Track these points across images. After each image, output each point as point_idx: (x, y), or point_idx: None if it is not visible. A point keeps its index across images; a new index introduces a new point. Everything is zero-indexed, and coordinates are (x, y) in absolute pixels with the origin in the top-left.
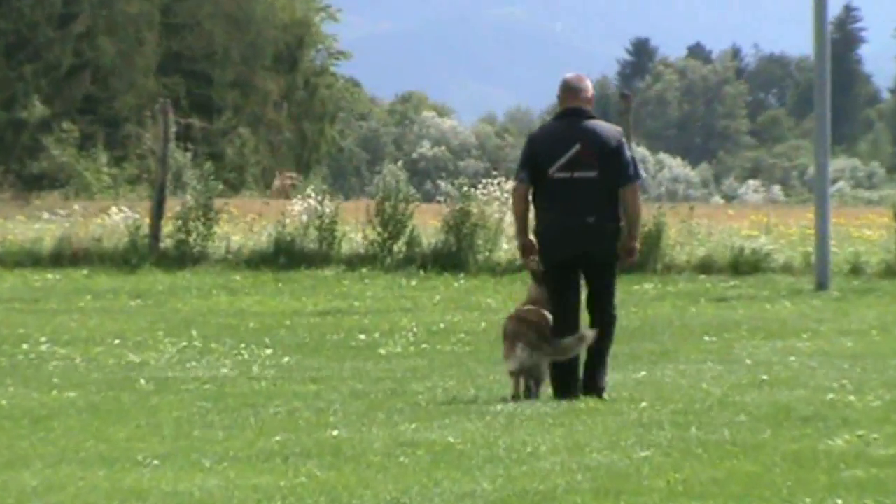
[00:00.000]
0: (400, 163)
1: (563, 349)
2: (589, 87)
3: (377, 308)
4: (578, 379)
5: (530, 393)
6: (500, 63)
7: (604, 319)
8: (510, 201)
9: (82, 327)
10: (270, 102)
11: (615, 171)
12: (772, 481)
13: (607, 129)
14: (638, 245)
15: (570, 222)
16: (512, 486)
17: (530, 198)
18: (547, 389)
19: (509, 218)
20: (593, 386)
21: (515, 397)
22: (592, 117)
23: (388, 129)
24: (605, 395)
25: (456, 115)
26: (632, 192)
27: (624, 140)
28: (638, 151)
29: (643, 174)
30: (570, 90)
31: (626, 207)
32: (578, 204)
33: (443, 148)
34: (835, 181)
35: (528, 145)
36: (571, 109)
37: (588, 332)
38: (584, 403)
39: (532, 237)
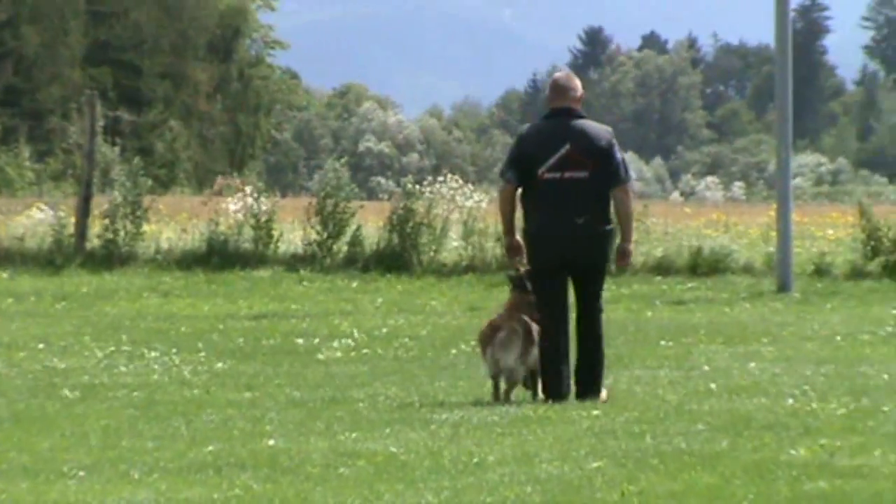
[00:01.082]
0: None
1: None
2: (578, 87)
3: (316, 311)
4: (568, 378)
5: (508, 396)
6: (446, 53)
7: (591, 336)
8: (498, 202)
9: (4, 332)
10: (203, 94)
11: (606, 171)
12: (731, 493)
13: (597, 128)
14: (633, 247)
15: (560, 223)
16: (458, 498)
17: (517, 199)
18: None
19: (455, 216)
20: (586, 395)
21: (496, 398)
22: (582, 117)
23: (328, 122)
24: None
25: (400, 108)
26: (623, 192)
27: (614, 140)
28: None
29: (633, 175)
30: (558, 89)
31: (618, 208)
32: (569, 205)
33: (388, 143)
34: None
35: (516, 145)
36: (561, 109)
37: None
38: (534, 412)
39: (519, 238)
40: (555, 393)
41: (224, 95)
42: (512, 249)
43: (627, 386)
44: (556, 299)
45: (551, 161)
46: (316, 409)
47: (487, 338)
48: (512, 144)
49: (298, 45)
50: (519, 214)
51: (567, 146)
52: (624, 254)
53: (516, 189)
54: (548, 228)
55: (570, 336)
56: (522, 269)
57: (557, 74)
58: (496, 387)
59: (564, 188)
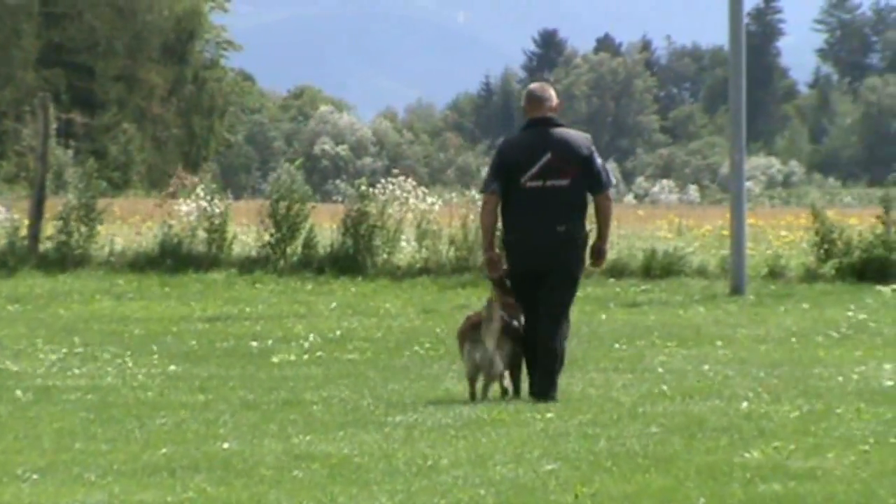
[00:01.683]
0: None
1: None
2: (553, 97)
3: (270, 314)
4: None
5: (486, 392)
6: (401, 55)
7: (551, 348)
8: (480, 213)
9: None
10: (157, 96)
11: (587, 178)
12: (685, 495)
13: (577, 137)
14: (608, 248)
15: (542, 231)
16: (411, 501)
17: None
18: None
19: (409, 218)
20: (541, 399)
21: (472, 397)
22: (560, 125)
23: (282, 124)
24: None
25: (354, 110)
26: (604, 198)
27: (594, 147)
28: None
29: (613, 180)
30: (534, 100)
31: (599, 213)
32: (550, 212)
33: (344, 146)
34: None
35: (497, 156)
36: (539, 119)
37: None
38: (488, 414)
39: (498, 252)
40: (532, 390)
41: (178, 98)
42: (491, 263)
43: (581, 388)
44: (531, 305)
45: (533, 170)
46: (270, 412)
47: (465, 334)
48: (493, 156)
49: (252, 47)
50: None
51: (548, 155)
52: (599, 253)
53: (499, 201)
54: (530, 237)
55: None
56: (502, 273)
57: (532, 86)
58: (472, 386)
59: (546, 196)
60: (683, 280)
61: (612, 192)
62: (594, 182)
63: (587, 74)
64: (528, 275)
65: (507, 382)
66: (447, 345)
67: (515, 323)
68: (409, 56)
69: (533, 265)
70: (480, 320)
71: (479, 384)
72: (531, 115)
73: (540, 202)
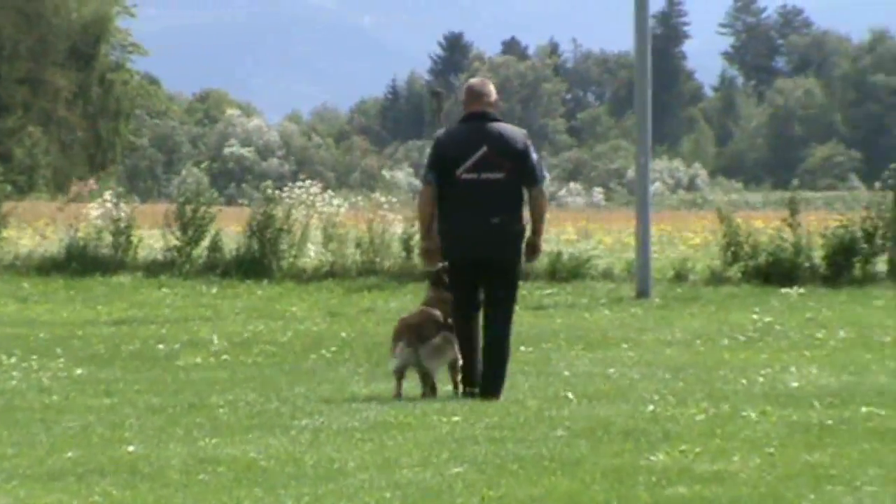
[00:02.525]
0: (205, 164)
1: (434, 349)
2: (492, 92)
3: (176, 317)
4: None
5: (426, 391)
6: (306, 59)
7: (498, 335)
8: (417, 203)
9: None
10: (62, 100)
11: (522, 172)
12: (591, 499)
13: (513, 131)
14: (542, 242)
15: (476, 223)
16: None
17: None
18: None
19: (316, 222)
20: (487, 395)
21: (397, 397)
22: (497, 120)
23: (189, 127)
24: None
25: (262, 114)
26: (538, 192)
27: (529, 142)
28: None
29: (547, 175)
30: (473, 95)
31: (533, 207)
32: (485, 205)
33: (250, 149)
34: (655, 183)
35: (434, 148)
36: (476, 113)
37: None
38: (395, 417)
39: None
40: (469, 383)
41: (84, 101)
42: (429, 252)
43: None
44: (469, 297)
45: (469, 163)
46: (176, 415)
47: (399, 332)
48: (431, 148)
49: (158, 50)
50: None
51: (484, 148)
52: (534, 248)
53: (436, 191)
54: (464, 228)
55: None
56: (440, 266)
57: (472, 80)
58: (399, 383)
59: (481, 189)
60: (589, 283)
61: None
62: (528, 176)
63: (492, 77)
64: (464, 265)
65: (458, 378)
66: (353, 348)
67: (451, 321)
68: (315, 59)
69: (468, 255)
70: (415, 321)
71: (414, 382)
72: (469, 109)
73: (475, 194)
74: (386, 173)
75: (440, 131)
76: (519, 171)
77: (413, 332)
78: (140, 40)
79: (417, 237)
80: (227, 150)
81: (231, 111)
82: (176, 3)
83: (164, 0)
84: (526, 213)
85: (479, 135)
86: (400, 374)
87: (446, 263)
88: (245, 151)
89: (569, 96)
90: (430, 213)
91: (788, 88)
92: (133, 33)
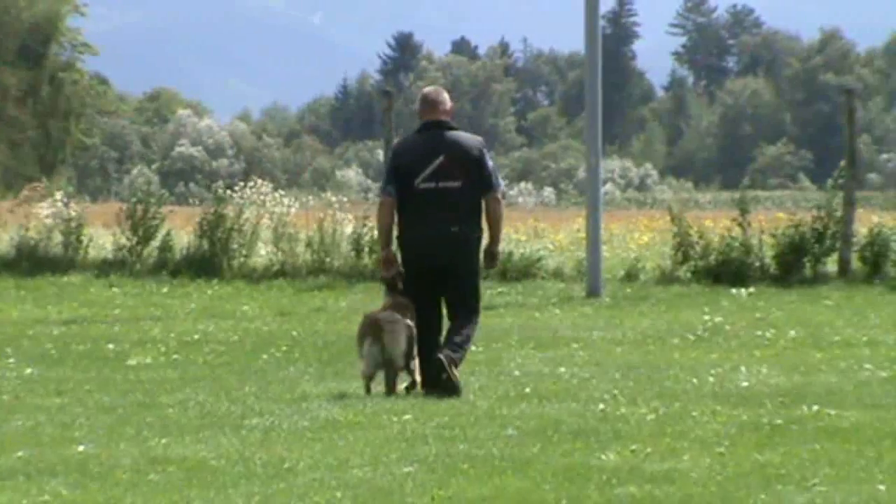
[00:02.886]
0: (156, 165)
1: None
2: (447, 100)
3: (126, 316)
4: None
5: (390, 389)
6: (256, 58)
7: (461, 340)
8: (377, 214)
9: None
10: (12, 99)
11: (478, 180)
12: (541, 498)
13: (469, 139)
14: (500, 250)
15: (435, 232)
16: (268, 503)
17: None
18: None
19: (266, 222)
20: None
21: (367, 392)
22: (453, 129)
23: (139, 127)
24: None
25: (213, 114)
26: (494, 199)
27: (485, 150)
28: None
29: (503, 182)
30: (428, 103)
31: (489, 214)
32: (443, 213)
33: (199, 148)
34: (606, 183)
35: (392, 159)
36: (432, 122)
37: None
38: (345, 417)
39: (394, 250)
40: (430, 382)
41: (34, 100)
42: (388, 261)
43: (437, 391)
44: (429, 303)
45: (426, 172)
46: (126, 415)
47: (365, 329)
48: (388, 158)
49: (108, 49)
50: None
51: (441, 157)
52: (492, 256)
53: (395, 202)
54: (423, 237)
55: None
56: (396, 272)
57: (427, 89)
58: (368, 382)
59: (439, 197)
60: (540, 283)
61: (503, 190)
62: (484, 183)
63: (443, 78)
64: (424, 273)
65: (417, 374)
66: (303, 347)
67: (409, 321)
68: (264, 59)
69: (428, 263)
70: (378, 318)
71: (377, 380)
72: (425, 118)
73: (434, 203)
74: (338, 173)
75: (396, 141)
76: (475, 179)
77: (377, 326)
78: (89, 39)
79: (368, 237)
80: (176, 150)
81: (182, 111)
82: (124, 3)
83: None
84: (484, 221)
85: (435, 144)
86: (369, 378)
87: (401, 269)
88: (195, 151)
89: (519, 96)
90: (389, 223)
91: (738, 88)
92: (83, 33)
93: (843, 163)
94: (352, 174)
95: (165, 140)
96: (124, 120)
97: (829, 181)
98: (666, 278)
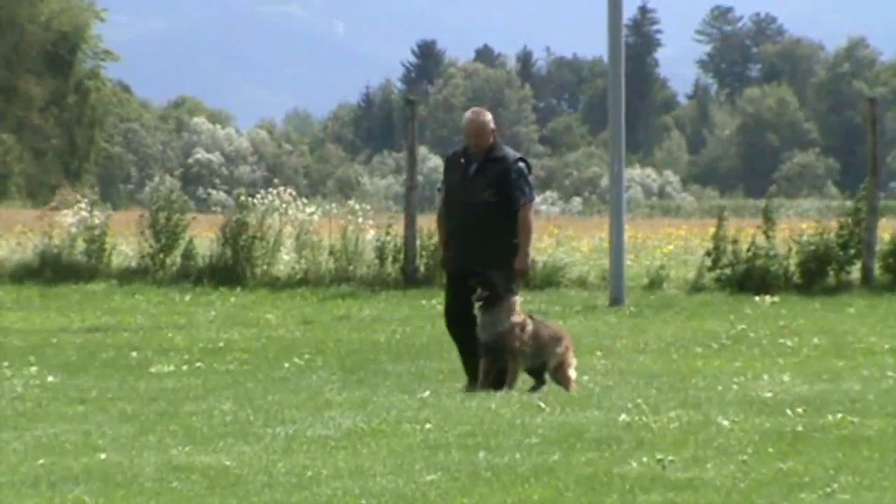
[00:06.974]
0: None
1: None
2: (489, 121)
3: (149, 324)
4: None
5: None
6: (279, 66)
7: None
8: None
9: None
10: (36, 108)
11: (512, 193)
12: None
13: (506, 155)
14: (529, 260)
15: (467, 243)
16: None
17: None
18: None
19: (289, 229)
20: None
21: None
22: (494, 147)
23: (161, 135)
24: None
25: (235, 120)
26: (525, 212)
27: (522, 164)
28: (432, 160)
29: (534, 196)
30: (472, 126)
31: (520, 226)
32: (475, 226)
33: (217, 154)
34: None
35: (444, 171)
36: (474, 141)
37: None
38: (368, 425)
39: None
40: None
41: (60, 109)
42: (445, 262)
43: (460, 399)
44: (459, 305)
45: (461, 186)
46: (149, 423)
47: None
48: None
49: (131, 57)
50: None
51: (475, 171)
52: (520, 269)
53: (443, 209)
54: (457, 246)
55: None
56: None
57: (469, 114)
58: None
59: (472, 210)
60: (563, 291)
61: (531, 205)
62: (517, 197)
63: (463, 84)
64: (457, 278)
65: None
66: (326, 356)
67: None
68: (288, 67)
69: (459, 271)
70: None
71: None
72: (467, 140)
73: (467, 216)
74: (365, 181)
75: (449, 152)
76: (507, 194)
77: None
78: (112, 48)
79: (391, 245)
80: (192, 158)
81: (197, 119)
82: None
83: (135, 8)
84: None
85: (472, 160)
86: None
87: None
88: (212, 157)
89: (541, 104)
90: (440, 226)
91: (760, 97)
92: (104, 40)
93: (868, 177)
94: (382, 183)
95: (184, 146)
96: (145, 127)
97: (859, 192)
98: (689, 286)
